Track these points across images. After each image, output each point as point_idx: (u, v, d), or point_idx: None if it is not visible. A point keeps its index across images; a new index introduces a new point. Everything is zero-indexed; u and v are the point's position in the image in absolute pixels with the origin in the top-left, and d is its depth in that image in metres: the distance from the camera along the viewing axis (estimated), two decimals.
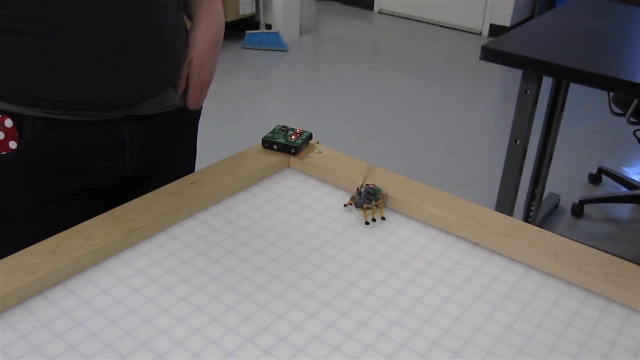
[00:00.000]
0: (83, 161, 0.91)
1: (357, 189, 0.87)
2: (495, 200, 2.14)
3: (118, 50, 0.83)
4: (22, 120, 0.83)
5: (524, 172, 2.06)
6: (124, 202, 0.82)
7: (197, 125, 1.10)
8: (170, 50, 0.91)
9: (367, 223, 0.84)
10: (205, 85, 0.98)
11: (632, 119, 2.32)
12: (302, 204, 0.88)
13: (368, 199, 0.85)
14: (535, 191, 2.45)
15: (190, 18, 0.96)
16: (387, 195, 0.87)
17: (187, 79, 0.95)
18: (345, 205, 0.87)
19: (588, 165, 3.00)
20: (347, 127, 3.30)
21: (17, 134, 0.83)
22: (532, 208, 2.47)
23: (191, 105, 0.98)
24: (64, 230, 0.75)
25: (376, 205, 0.86)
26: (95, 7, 0.79)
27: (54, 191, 0.89)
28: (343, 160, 0.95)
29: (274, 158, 0.95)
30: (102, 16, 0.80)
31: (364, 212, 0.85)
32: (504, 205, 2.10)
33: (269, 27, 4.56)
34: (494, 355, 0.63)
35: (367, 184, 0.87)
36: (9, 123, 0.83)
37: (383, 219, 0.85)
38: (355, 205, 0.87)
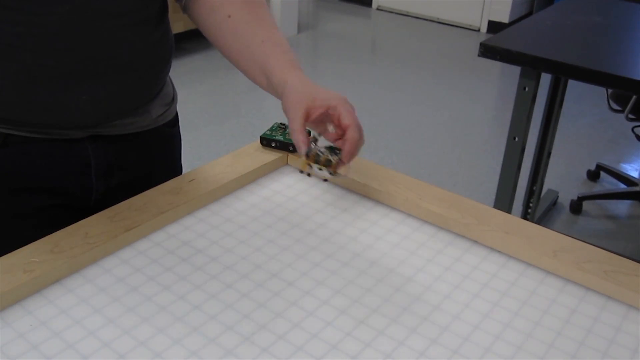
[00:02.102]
0: (42, 180, 0.84)
1: (313, 135, 0.79)
2: (493, 197, 2.14)
3: (76, 69, 0.76)
4: None
5: (522, 168, 2.06)
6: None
7: (180, 142, 1.02)
8: (142, 71, 0.84)
9: (301, 171, 0.76)
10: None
11: (630, 116, 2.32)
12: (300, 201, 0.88)
13: (330, 151, 0.77)
14: (534, 188, 2.45)
15: (276, 88, 0.81)
16: (349, 170, 0.78)
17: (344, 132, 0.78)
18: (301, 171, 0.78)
19: (586, 162, 3.00)
20: None
21: None
22: (531, 205, 2.47)
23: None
24: (24, 245, 0.72)
25: (328, 161, 0.76)
26: (48, 23, 0.72)
27: (9, 207, 0.83)
28: None
29: (272, 156, 0.95)
30: (57, 33, 0.73)
31: (308, 161, 0.77)
32: (503, 202, 2.10)
33: None
34: (493, 353, 0.63)
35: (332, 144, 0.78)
36: None
37: (327, 178, 0.76)
38: (307, 155, 0.77)
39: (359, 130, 0.77)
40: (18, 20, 0.71)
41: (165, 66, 0.90)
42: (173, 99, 0.97)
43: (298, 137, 0.76)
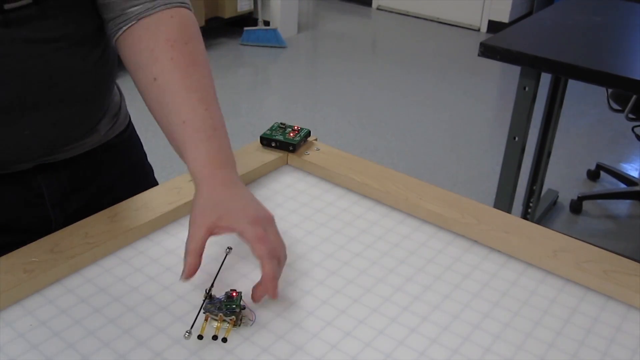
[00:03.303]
0: None
1: (206, 291, 0.66)
2: (493, 197, 2.14)
3: (14, 104, 0.70)
4: None
5: (522, 168, 2.06)
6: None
7: (139, 144, 0.94)
8: (87, 94, 0.78)
9: (200, 337, 0.63)
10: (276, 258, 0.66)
11: (630, 115, 2.32)
12: (300, 201, 0.88)
13: (226, 310, 0.64)
14: (534, 187, 2.45)
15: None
16: (254, 315, 0.66)
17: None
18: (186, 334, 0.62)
19: (586, 162, 3.00)
20: (345, 124, 3.30)
21: None
22: (531, 204, 2.47)
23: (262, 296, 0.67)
24: None
25: (226, 321, 0.64)
26: None
27: None
28: (341, 157, 0.94)
29: (272, 155, 0.95)
30: None
31: (218, 323, 0.64)
32: (503, 201, 2.10)
33: (267, 23, 4.55)
34: (493, 352, 0.63)
35: (232, 290, 0.66)
36: None
37: (224, 340, 0.63)
38: (204, 309, 0.64)
39: (273, 259, 0.64)
40: None
41: (112, 83, 0.84)
42: (120, 109, 0.91)
43: (189, 259, 0.65)
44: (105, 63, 0.81)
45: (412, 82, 3.94)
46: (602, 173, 2.89)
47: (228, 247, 0.72)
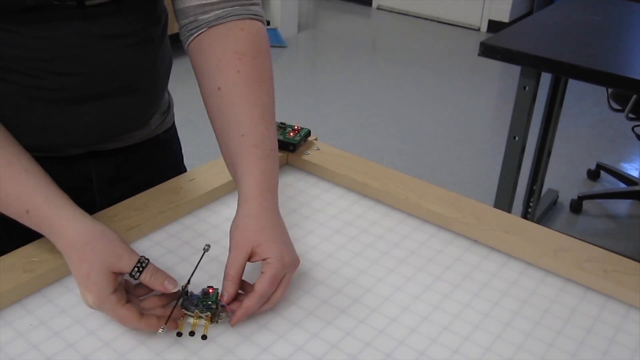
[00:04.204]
0: None
1: (182, 287, 0.66)
2: (494, 196, 2.14)
3: (78, 92, 0.74)
4: None
5: (522, 168, 2.06)
6: None
7: (179, 145, 0.98)
8: (145, 89, 0.82)
9: (179, 334, 0.64)
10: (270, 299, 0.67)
11: (630, 115, 2.31)
12: (301, 201, 0.88)
13: (202, 306, 0.65)
14: (534, 187, 2.45)
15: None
16: (228, 311, 0.66)
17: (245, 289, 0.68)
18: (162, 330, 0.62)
19: (587, 161, 3.00)
20: (345, 124, 3.30)
21: None
22: (531, 204, 2.47)
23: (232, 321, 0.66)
24: None
25: (202, 317, 0.65)
26: (48, 47, 0.70)
27: (6, 229, 0.72)
28: (341, 157, 0.94)
29: None
30: (57, 57, 0.71)
31: (194, 320, 0.65)
32: (503, 201, 2.09)
33: (267, 23, 4.55)
34: (493, 352, 0.63)
35: (209, 286, 0.67)
36: None
37: (204, 337, 0.64)
38: (182, 306, 0.65)
39: (262, 300, 0.65)
40: (15, 42, 0.69)
41: (166, 81, 0.88)
42: (169, 106, 0.95)
43: (230, 288, 0.65)
44: (162, 61, 0.84)
45: (412, 82, 3.94)
46: (602, 173, 2.89)
47: (206, 245, 0.71)
